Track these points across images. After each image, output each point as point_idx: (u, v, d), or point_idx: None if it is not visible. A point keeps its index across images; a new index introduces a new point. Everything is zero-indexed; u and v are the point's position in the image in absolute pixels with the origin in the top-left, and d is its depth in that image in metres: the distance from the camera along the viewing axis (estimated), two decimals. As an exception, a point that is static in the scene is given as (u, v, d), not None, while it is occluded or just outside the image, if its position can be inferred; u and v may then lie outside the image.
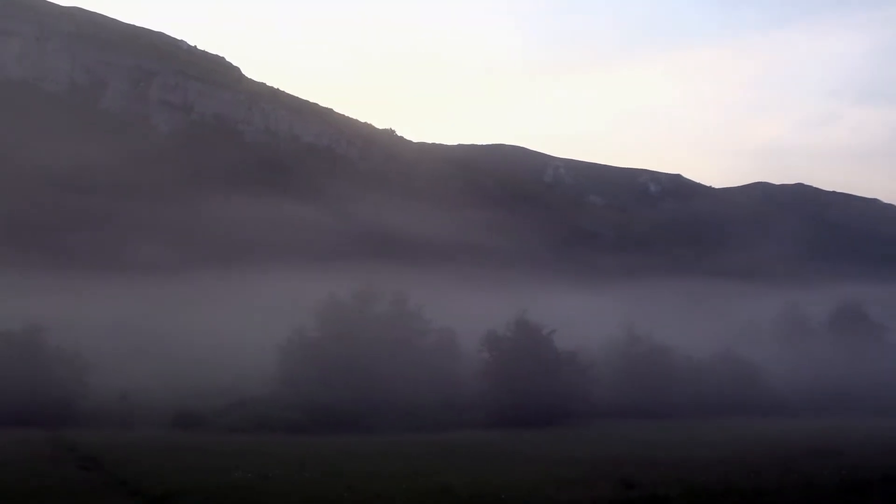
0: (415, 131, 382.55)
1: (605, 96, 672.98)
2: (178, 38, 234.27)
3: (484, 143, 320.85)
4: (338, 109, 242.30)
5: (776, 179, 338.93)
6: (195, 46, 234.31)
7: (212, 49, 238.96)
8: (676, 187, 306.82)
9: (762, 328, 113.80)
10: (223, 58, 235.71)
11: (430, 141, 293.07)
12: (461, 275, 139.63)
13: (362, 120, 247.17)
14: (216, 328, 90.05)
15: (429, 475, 30.04)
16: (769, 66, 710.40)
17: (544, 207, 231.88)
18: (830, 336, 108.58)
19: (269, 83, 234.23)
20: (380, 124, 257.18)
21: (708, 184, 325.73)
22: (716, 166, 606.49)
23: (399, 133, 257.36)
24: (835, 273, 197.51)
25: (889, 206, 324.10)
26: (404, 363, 67.90)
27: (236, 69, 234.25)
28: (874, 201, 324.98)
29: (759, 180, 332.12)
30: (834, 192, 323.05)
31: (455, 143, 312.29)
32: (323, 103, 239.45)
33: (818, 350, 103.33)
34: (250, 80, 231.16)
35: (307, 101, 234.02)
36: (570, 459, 36.61)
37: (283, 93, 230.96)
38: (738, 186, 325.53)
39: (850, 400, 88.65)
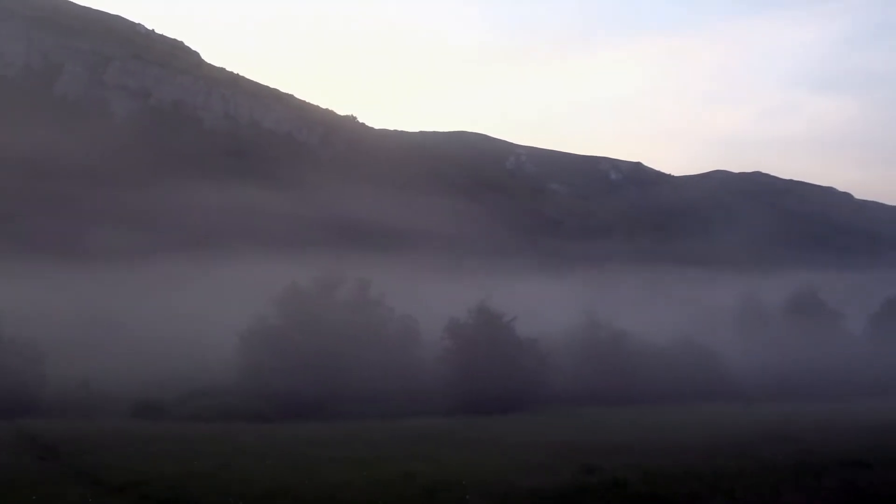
0: (377, 118, 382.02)
1: (566, 84, 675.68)
2: (136, 21, 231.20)
3: (446, 130, 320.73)
4: (298, 95, 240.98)
5: (735, 168, 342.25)
6: (153, 30, 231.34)
7: (170, 33, 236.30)
8: (637, 175, 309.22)
9: (721, 315, 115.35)
10: (182, 42, 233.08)
11: (392, 128, 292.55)
12: (423, 262, 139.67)
13: (323, 106, 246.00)
14: (177, 316, 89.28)
15: (391, 462, 30.12)
16: (729, 56, 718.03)
17: (506, 195, 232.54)
18: (788, 323, 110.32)
19: (228, 68, 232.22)
20: (341, 111, 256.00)
21: (668, 172, 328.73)
22: (675, 154, 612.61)
23: (361, 120, 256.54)
24: (792, 260, 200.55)
25: (845, 194, 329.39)
26: (367, 351, 67.94)
27: (195, 54, 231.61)
28: (830, 189, 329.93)
29: (718, 168, 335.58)
30: (791, 181, 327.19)
31: (417, 130, 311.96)
32: (283, 89, 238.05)
33: (776, 336, 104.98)
34: (210, 65, 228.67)
35: (267, 87, 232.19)
36: (532, 445, 36.89)
37: (243, 78, 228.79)
38: (697, 174, 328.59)
39: (806, 386, 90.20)
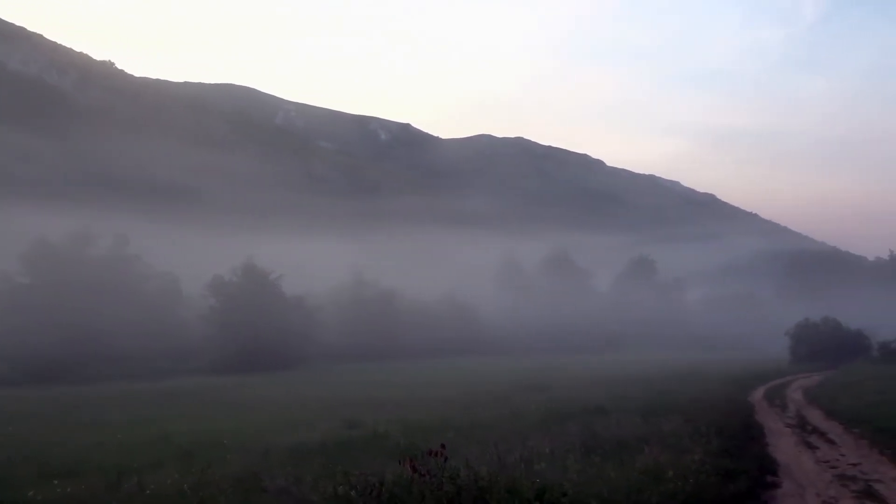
0: (137, 65, 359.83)
1: (335, 42, 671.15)
2: None
3: (212, 81, 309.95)
4: (49, 36, 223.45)
5: (499, 132, 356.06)
6: None
7: None
8: (406, 136, 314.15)
9: (482, 273, 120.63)
10: None
11: (154, 76, 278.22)
12: (186, 218, 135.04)
13: (77, 49, 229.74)
14: None
15: (147, 424, 29.12)
16: (495, 23, 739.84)
17: (274, 150, 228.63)
18: (542, 280, 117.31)
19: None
20: (98, 55, 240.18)
21: (435, 134, 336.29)
22: (443, 117, 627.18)
23: (119, 66, 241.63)
24: (549, 221, 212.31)
25: (597, 161, 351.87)
26: (124, 309, 65.09)
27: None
28: (585, 157, 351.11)
29: (483, 133, 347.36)
30: (550, 147, 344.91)
31: (181, 80, 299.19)
32: (31, 28, 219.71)
33: (531, 293, 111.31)
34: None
35: (13, 24, 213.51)
36: (296, 403, 36.96)
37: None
38: (463, 138, 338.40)
39: (557, 339, 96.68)
